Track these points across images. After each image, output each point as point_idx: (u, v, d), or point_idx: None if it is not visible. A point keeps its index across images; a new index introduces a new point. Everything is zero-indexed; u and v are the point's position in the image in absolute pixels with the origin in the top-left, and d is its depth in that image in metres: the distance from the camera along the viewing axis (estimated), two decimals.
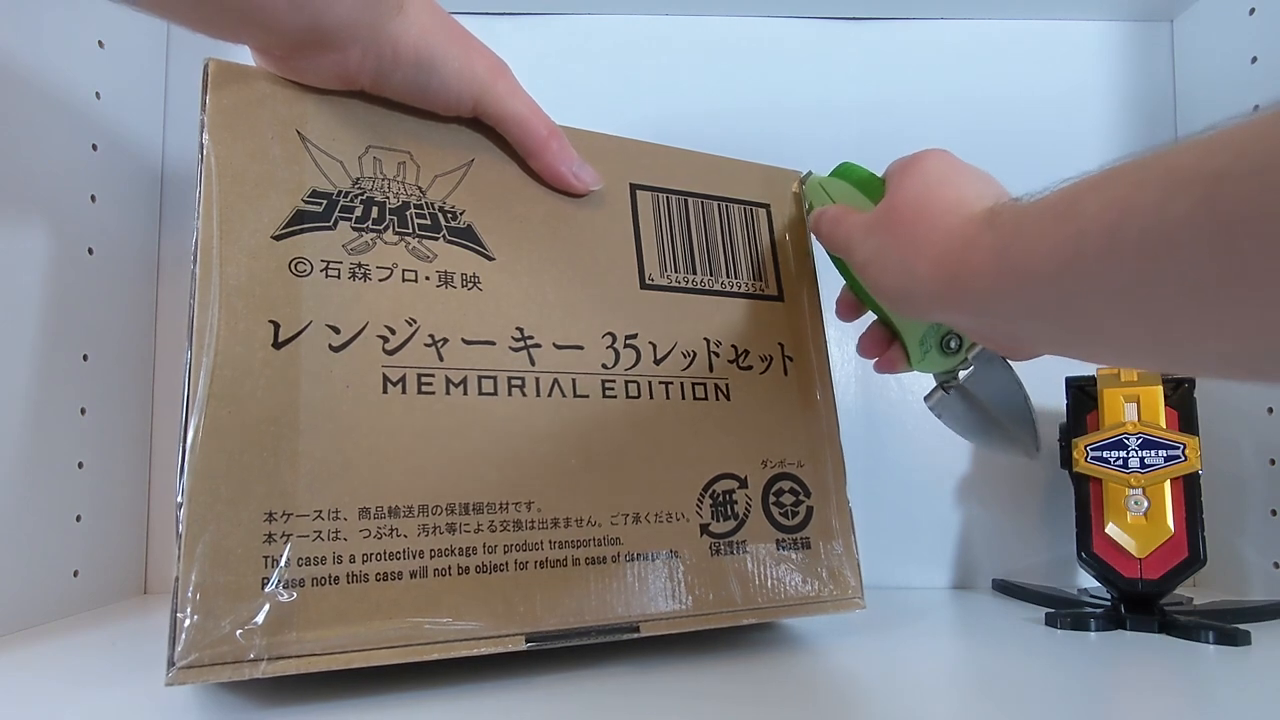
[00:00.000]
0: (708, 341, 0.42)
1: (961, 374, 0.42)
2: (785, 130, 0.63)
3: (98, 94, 0.52)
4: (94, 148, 0.52)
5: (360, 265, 0.35)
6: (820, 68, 0.64)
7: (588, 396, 0.38)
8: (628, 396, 0.39)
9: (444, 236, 0.37)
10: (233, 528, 0.30)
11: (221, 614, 0.29)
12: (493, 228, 0.38)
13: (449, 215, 0.38)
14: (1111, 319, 0.25)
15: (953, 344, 0.41)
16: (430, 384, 0.35)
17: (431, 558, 0.33)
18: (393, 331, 0.35)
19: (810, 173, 0.47)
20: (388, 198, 0.37)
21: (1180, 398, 0.50)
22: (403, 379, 0.34)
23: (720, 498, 0.40)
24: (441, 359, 0.35)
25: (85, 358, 0.51)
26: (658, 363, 0.40)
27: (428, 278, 0.36)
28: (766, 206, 0.47)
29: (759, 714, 0.31)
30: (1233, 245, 0.19)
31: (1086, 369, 0.52)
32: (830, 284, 0.47)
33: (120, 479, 0.55)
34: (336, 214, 0.35)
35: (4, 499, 0.44)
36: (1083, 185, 0.25)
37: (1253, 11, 0.57)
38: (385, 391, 0.34)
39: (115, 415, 0.54)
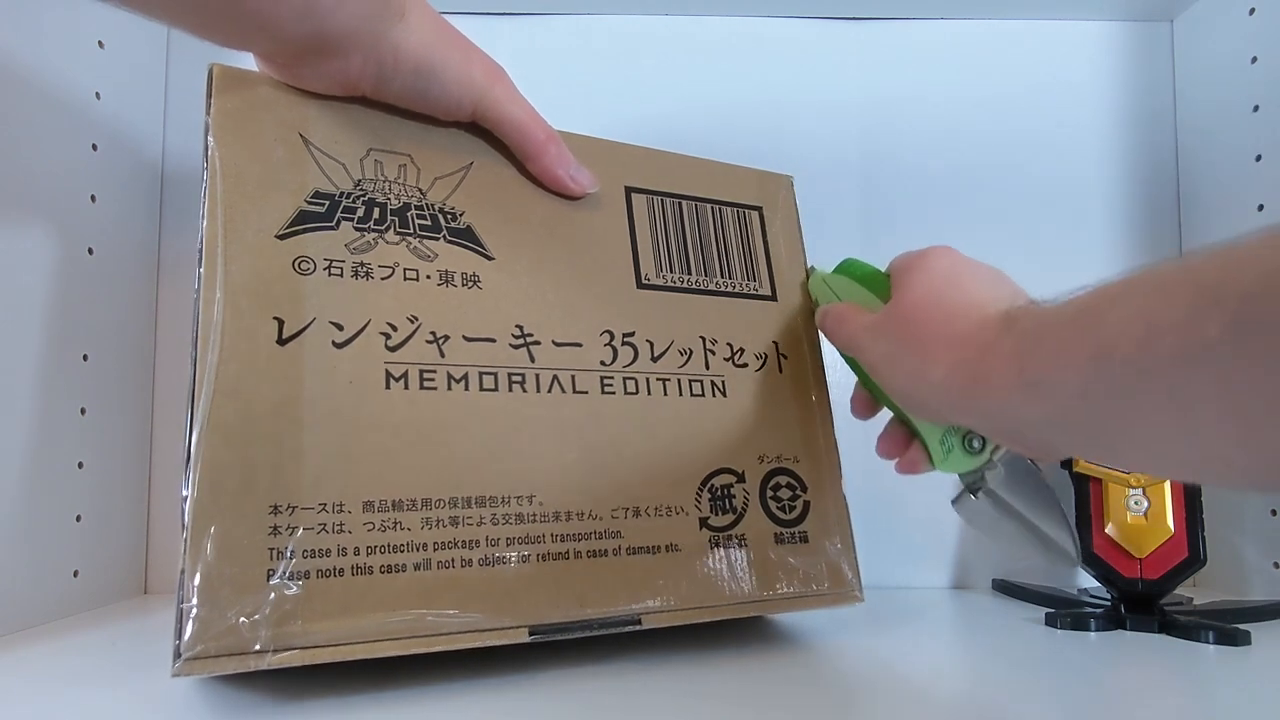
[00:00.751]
0: (704, 340, 0.43)
1: (988, 475, 0.39)
2: (786, 130, 0.63)
3: (98, 94, 0.52)
4: (94, 148, 0.52)
5: (363, 264, 0.35)
6: (820, 68, 0.64)
7: (586, 393, 0.38)
8: (626, 393, 0.39)
9: (444, 237, 0.38)
10: (238, 520, 0.30)
11: (227, 605, 0.29)
12: (492, 228, 0.39)
13: (449, 216, 0.38)
14: (1139, 429, 0.24)
15: (975, 444, 0.39)
16: (432, 380, 0.35)
17: (435, 550, 0.33)
18: (395, 329, 0.35)
19: (814, 267, 0.47)
20: (389, 199, 0.37)
21: None
22: (405, 375, 0.35)
23: (719, 492, 0.40)
24: (443, 355, 0.36)
25: (85, 358, 0.51)
26: (655, 360, 0.41)
27: (429, 276, 0.37)
28: (759, 209, 0.48)
29: (758, 713, 0.31)
30: (1269, 364, 0.19)
31: None
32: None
33: (120, 479, 0.55)
34: (339, 214, 0.36)
35: (4, 499, 0.44)
36: (1101, 295, 0.25)
37: (1253, 11, 0.57)
38: (388, 387, 0.34)
39: (115, 415, 0.54)
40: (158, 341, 0.58)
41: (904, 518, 0.61)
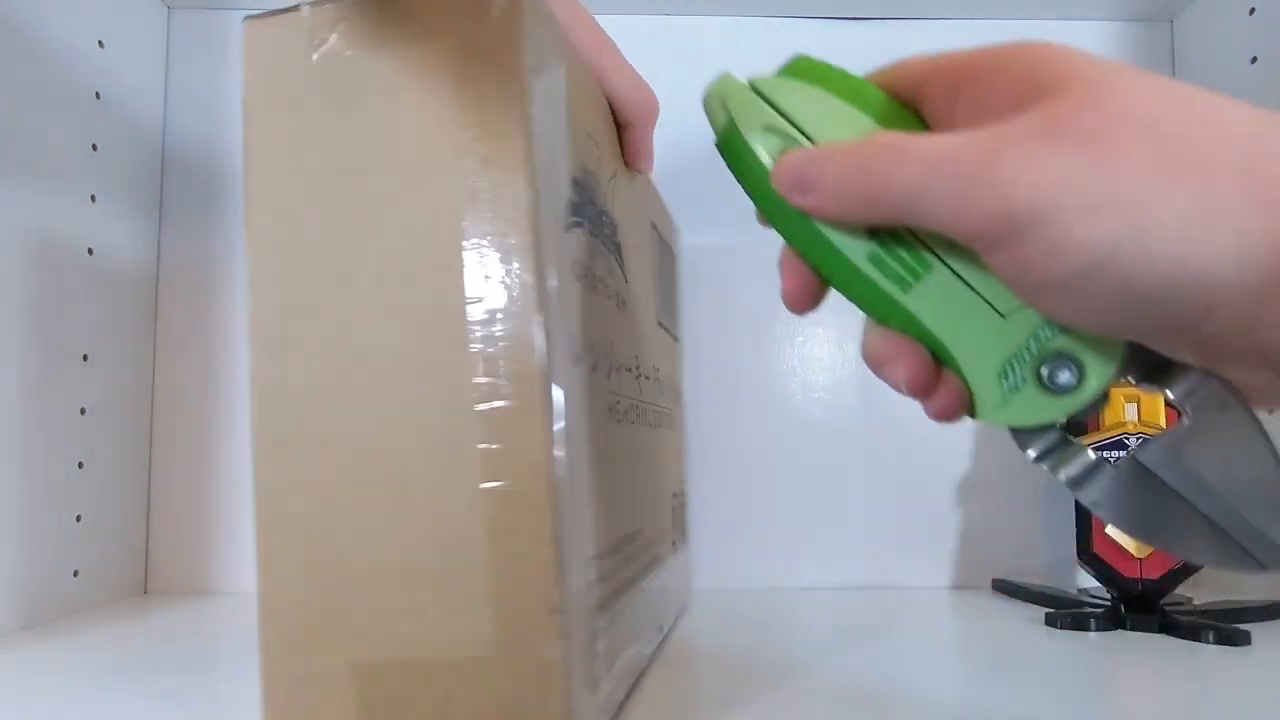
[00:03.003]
0: (670, 377, 0.47)
1: (1132, 441, 0.25)
2: None
3: (98, 94, 0.52)
4: (94, 148, 0.52)
5: (591, 274, 0.29)
6: None
7: (652, 425, 0.41)
8: (650, 426, 0.40)
9: (614, 250, 0.33)
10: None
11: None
12: (626, 246, 0.35)
13: (611, 227, 0.32)
14: None
15: (1066, 375, 0.22)
16: (631, 413, 0.34)
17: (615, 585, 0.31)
18: (605, 354, 0.31)
19: (724, 74, 0.25)
20: (597, 196, 0.30)
21: None
22: (617, 405, 0.31)
23: (676, 510, 0.45)
24: (624, 386, 0.33)
25: (85, 358, 0.51)
26: (660, 395, 0.43)
27: (609, 296, 0.32)
28: (671, 248, 0.50)
29: (758, 713, 0.31)
30: None
31: None
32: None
33: (120, 479, 0.55)
34: (586, 208, 0.29)
35: (4, 499, 0.44)
36: None
37: (1253, 11, 0.57)
38: (615, 419, 0.31)
39: (115, 415, 0.54)
40: (157, 341, 0.58)
41: (905, 518, 0.61)
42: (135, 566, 0.56)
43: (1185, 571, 0.47)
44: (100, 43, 0.53)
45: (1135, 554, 0.48)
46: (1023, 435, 0.23)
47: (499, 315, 0.24)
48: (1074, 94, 0.18)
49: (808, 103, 0.23)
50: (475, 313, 0.24)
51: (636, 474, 0.35)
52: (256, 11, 0.26)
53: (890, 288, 0.22)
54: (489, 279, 0.24)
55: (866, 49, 0.64)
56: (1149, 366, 0.21)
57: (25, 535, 0.45)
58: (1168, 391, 0.21)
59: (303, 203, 0.25)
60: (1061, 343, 0.22)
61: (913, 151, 0.20)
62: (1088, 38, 0.65)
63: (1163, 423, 0.49)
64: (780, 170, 0.22)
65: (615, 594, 0.29)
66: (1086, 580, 0.57)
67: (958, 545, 0.61)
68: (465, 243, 0.24)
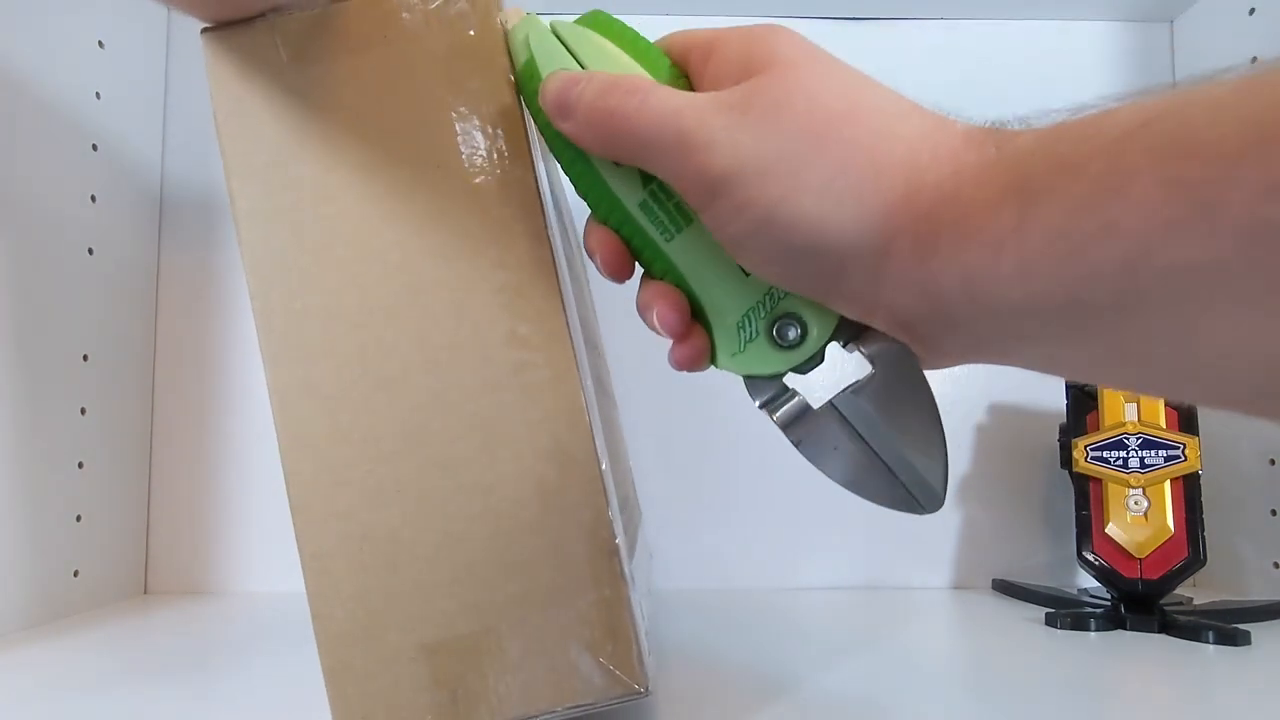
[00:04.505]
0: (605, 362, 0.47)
1: (847, 385, 0.25)
2: None
3: (98, 94, 0.52)
4: (94, 148, 0.52)
5: (568, 258, 0.31)
6: None
7: (613, 402, 0.42)
8: (611, 402, 0.43)
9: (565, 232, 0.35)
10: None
11: None
12: (565, 226, 0.37)
13: (556, 209, 0.34)
14: (1207, 319, 0.17)
15: (792, 332, 0.25)
16: (601, 386, 0.35)
17: None
18: (586, 326, 0.33)
19: (528, 15, 0.27)
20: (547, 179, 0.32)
21: None
22: (597, 379, 0.33)
23: (633, 485, 0.47)
24: (602, 365, 0.37)
25: (85, 358, 0.51)
26: (608, 375, 0.44)
27: (575, 274, 0.34)
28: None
29: (758, 713, 0.31)
30: None
31: None
32: None
33: (120, 479, 0.55)
34: None
35: (4, 499, 0.44)
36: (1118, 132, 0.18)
37: (1253, 11, 0.57)
38: (601, 391, 0.34)
39: (115, 415, 0.54)
40: (158, 341, 0.58)
41: (905, 518, 0.61)
42: (135, 566, 0.56)
43: (1185, 572, 0.47)
44: (100, 43, 0.53)
45: (1135, 554, 0.48)
46: (753, 383, 0.26)
47: (520, 288, 0.25)
48: (770, 73, 0.22)
49: (599, 52, 0.25)
50: (496, 286, 0.25)
51: (616, 444, 0.35)
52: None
53: (655, 235, 0.25)
54: (513, 256, 0.25)
55: (867, 49, 0.64)
56: (854, 329, 0.25)
57: (25, 535, 0.45)
58: (860, 349, 0.25)
59: (292, 208, 0.26)
60: (790, 304, 0.25)
61: (651, 102, 0.23)
62: (1088, 38, 0.65)
63: (1162, 423, 0.49)
64: (546, 87, 0.24)
65: (630, 548, 0.30)
66: (1087, 580, 0.57)
67: (958, 545, 0.61)
68: (484, 224, 0.25)
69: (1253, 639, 0.43)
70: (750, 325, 0.25)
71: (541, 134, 0.26)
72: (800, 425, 0.25)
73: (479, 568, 0.25)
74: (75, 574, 0.49)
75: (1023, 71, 0.65)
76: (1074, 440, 0.51)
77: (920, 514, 0.26)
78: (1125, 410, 0.50)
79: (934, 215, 0.20)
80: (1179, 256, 0.16)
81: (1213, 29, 0.61)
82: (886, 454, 0.25)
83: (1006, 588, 0.57)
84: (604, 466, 0.25)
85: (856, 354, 0.25)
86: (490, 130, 0.25)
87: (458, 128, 0.25)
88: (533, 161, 0.26)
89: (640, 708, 0.31)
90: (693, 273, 0.25)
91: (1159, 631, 0.46)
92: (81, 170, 0.51)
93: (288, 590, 0.26)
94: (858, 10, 0.64)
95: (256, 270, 0.26)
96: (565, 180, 0.27)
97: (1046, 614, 0.48)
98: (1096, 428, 0.51)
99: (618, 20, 0.26)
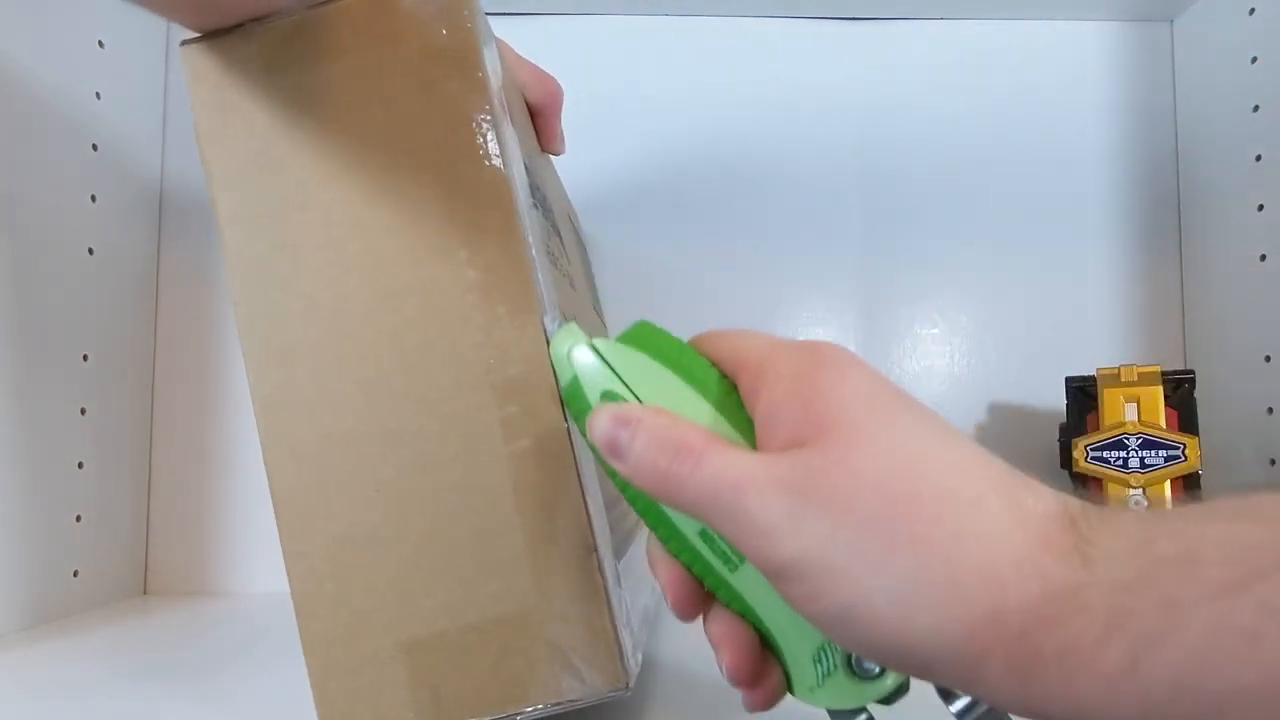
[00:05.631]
0: None
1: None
2: (784, 130, 0.63)
3: (98, 94, 0.52)
4: (94, 148, 0.52)
5: (549, 251, 0.29)
6: (820, 68, 0.64)
7: None
8: None
9: (557, 234, 0.33)
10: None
11: None
12: (561, 230, 0.36)
13: (549, 211, 0.33)
14: None
15: (869, 664, 0.24)
16: None
17: None
18: None
19: (568, 322, 0.26)
20: (538, 179, 0.31)
21: (1180, 398, 0.50)
22: None
23: None
24: None
25: (85, 358, 0.51)
26: None
27: (564, 275, 0.32)
28: (581, 238, 0.49)
29: (758, 714, 0.31)
30: None
31: (1086, 368, 0.52)
32: None
33: (120, 479, 0.55)
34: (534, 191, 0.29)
35: (4, 499, 0.44)
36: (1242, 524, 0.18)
37: (1253, 11, 0.57)
38: None
39: (115, 415, 0.54)
40: (158, 341, 0.58)
41: None
42: (135, 566, 0.56)
43: None
44: (100, 43, 0.53)
45: None
46: (836, 715, 0.24)
47: (496, 289, 0.25)
48: (831, 443, 0.20)
49: (646, 376, 0.24)
50: (472, 289, 0.25)
51: None
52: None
53: (719, 565, 0.23)
54: (483, 258, 0.25)
55: (867, 49, 0.65)
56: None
57: (25, 535, 0.45)
58: (951, 707, 0.24)
59: (272, 214, 0.26)
60: None
61: (704, 469, 0.21)
62: (1088, 38, 0.65)
63: (1162, 423, 0.49)
64: (594, 424, 0.23)
65: (623, 543, 0.30)
66: None
67: None
68: (454, 225, 0.25)
69: None
70: (828, 659, 0.24)
71: (592, 450, 0.24)
72: None
73: (459, 567, 0.25)
74: (75, 574, 0.49)
75: (1023, 71, 0.65)
76: (1074, 440, 0.51)
77: None
78: (1125, 410, 0.50)
79: (1030, 640, 0.18)
80: None
81: (1213, 29, 0.61)
82: None
83: None
84: (582, 465, 0.25)
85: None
86: (464, 132, 0.25)
87: (432, 130, 0.25)
88: (508, 161, 0.26)
89: (627, 704, 0.31)
90: (761, 605, 0.23)
91: None
92: (81, 170, 0.51)
93: (287, 590, 0.26)
94: (858, 10, 0.64)
95: (239, 275, 0.26)
96: (565, 181, 0.27)
97: None
98: (1096, 428, 0.51)
99: (663, 332, 0.25)
